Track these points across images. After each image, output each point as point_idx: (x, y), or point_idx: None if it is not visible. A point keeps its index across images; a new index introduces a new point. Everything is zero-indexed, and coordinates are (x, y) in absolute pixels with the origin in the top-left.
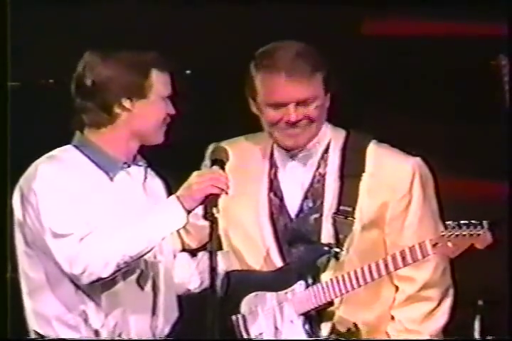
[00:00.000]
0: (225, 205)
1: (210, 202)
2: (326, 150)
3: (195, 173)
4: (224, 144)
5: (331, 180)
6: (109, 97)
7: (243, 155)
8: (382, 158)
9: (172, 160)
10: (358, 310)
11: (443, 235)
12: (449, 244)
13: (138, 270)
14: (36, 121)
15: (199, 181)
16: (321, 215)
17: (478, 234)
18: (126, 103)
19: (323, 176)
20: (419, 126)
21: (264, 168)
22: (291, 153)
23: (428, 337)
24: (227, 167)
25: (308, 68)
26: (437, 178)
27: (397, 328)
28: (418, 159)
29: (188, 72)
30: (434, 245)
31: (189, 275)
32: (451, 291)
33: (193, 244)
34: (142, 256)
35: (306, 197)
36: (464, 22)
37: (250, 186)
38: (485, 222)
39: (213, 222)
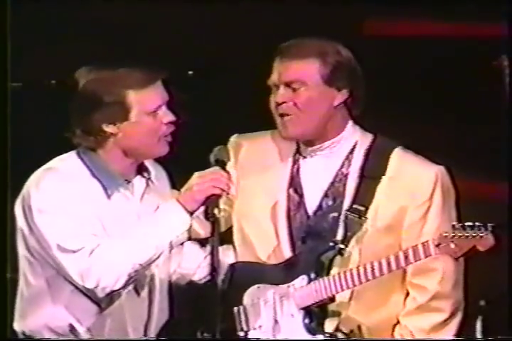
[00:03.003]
0: (241, 197)
1: (211, 203)
2: (352, 151)
3: (196, 174)
4: (251, 137)
5: (351, 180)
6: (91, 124)
7: (267, 149)
8: (406, 163)
9: (172, 161)
10: (366, 311)
11: (446, 236)
12: (452, 245)
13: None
14: (36, 121)
15: (200, 182)
16: (340, 214)
17: (481, 236)
18: (109, 128)
19: (345, 176)
20: (419, 126)
21: (287, 163)
22: (313, 150)
23: None
24: (247, 160)
25: (302, 52)
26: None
27: (404, 335)
28: (442, 168)
29: (190, 72)
30: (438, 245)
31: (196, 265)
32: (462, 306)
33: (203, 233)
34: (152, 262)
35: (326, 195)
36: (464, 22)
37: (271, 180)
38: (489, 225)
39: (215, 223)
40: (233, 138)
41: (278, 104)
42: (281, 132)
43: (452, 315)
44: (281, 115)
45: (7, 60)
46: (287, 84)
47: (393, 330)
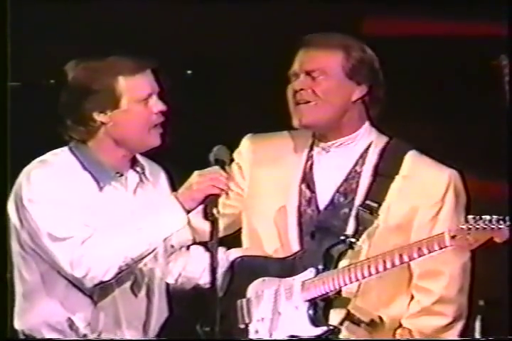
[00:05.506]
0: (252, 192)
1: (210, 203)
2: (366, 151)
3: (195, 173)
4: (265, 135)
5: (365, 178)
6: (82, 113)
7: (281, 146)
8: (420, 164)
9: (172, 160)
10: (369, 309)
11: (463, 228)
12: (468, 237)
13: (132, 277)
14: (36, 121)
15: (199, 181)
16: (350, 210)
17: (500, 228)
18: (100, 117)
19: (358, 174)
20: (419, 126)
21: (301, 159)
22: (328, 145)
23: None
24: (261, 156)
25: (327, 44)
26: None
27: (404, 336)
28: (455, 171)
29: (189, 72)
30: (453, 237)
31: (202, 269)
32: (465, 312)
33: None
34: (144, 257)
35: (338, 192)
36: (464, 22)
37: (283, 176)
38: (508, 218)
39: (214, 223)
40: (247, 137)
41: (296, 92)
42: (294, 120)
43: (455, 320)
44: (298, 103)
45: (7, 60)
46: (308, 73)
47: (394, 333)
